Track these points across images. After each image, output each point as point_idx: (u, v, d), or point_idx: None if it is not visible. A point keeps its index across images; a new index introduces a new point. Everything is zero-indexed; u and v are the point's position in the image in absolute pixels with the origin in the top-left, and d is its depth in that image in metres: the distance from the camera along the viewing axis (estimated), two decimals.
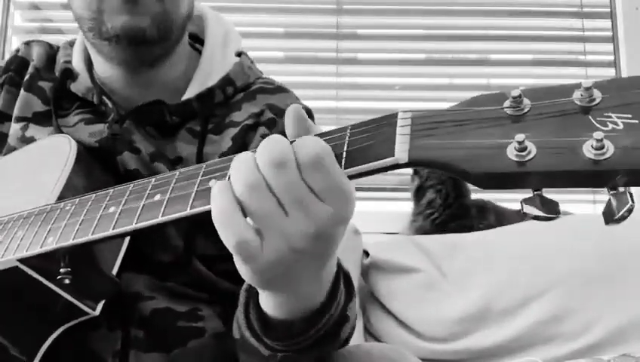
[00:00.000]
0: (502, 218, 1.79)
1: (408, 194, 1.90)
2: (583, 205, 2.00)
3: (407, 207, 1.90)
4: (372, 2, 2.18)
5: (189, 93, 0.92)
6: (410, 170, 1.90)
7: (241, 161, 0.52)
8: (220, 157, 0.87)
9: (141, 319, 0.83)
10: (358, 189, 2.00)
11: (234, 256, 0.53)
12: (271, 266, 0.53)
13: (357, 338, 1.58)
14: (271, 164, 0.50)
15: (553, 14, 2.19)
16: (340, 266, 0.66)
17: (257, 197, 0.50)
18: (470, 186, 1.86)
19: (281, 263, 0.52)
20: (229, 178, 0.53)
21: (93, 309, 0.77)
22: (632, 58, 2.07)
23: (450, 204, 1.80)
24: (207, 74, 0.94)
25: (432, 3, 2.18)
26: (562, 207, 1.87)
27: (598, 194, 1.99)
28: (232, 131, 0.91)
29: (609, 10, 2.16)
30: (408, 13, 2.18)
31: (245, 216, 0.51)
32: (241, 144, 0.90)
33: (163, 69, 0.93)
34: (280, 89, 0.98)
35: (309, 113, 0.96)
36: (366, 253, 1.72)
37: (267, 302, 0.63)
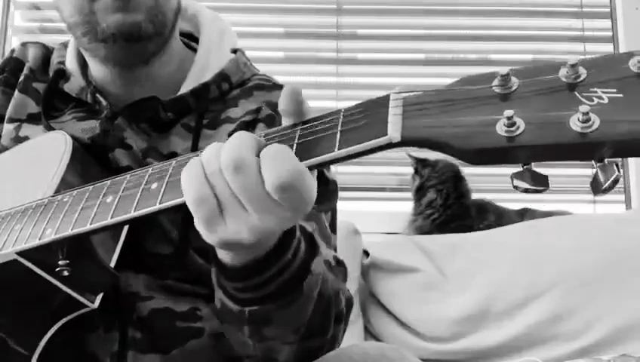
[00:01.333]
0: (502, 218, 1.79)
1: (408, 194, 1.90)
2: (583, 205, 2.01)
3: (407, 207, 1.90)
4: (372, 2, 2.18)
5: (184, 89, 0.92)
6: (410, 170, 1.90)
7: (210, 149, 0.56)
8: None
9: (139, 320, 0.83)
10: (358, 189, 2.01)
11: (195, 218, 0.57)
12: (225, 241, 0.57)
13: (357, 338, 1.58)
14: (229, 165, 0.54)
15: (553, 14, 2.19)
16: (303, 228, 0.70)
17: (220, 185, 0.55)
18: (470, 186, 1.86)
19: (234, 241, 0.57)
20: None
21: (92, 302, 0.77)
22: None
23: (450, 204, 1.80)
24: (202, 70, 0.94)
25: (432, 3, 2.18)
26: (562, 207, 1.88)
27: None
28: (229, 127, 0.90)
29: (609, 10, 2.16)
30: (408, 13, 2.18)
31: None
32: None
33: (157, 66, 0.92)
34: (277, 86, 0.98)
35: None
36: (366, 253, 1.72)
37: (221, 254, 0.66)
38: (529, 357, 1.50)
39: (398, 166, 2.05)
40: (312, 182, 0.54)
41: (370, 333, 1.67)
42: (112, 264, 0.79)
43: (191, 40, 1.02)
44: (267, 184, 0.53)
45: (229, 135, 0.88)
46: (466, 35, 2.17)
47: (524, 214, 1.79)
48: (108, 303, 0.78)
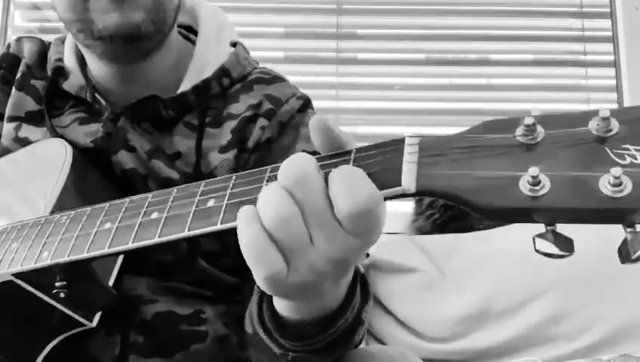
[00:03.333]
0: None
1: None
2: None
3: (407, 207, 1.90)
4: (372, 2, 2.18)
5: (185, 86, 0.90)
6: None
7: (269, 191, 0.49)
8: (219, 152, 0.87)
9: (142, 323, 0.82)
10: None
11: (259, 282, 0.51)
12: (294, 289, 0.51)
13: None
14: (306, 208, 0.48)
15: (553, 14, 2.18)
16: (357, 270, 0.65)
17: (286, 229, 0.48)
18: None
19: (303, 286, 0.51)
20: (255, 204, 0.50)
21: (90, 321, 0.76)
22: (632, 58, 2.07)
23: (451, 205, 1.79)
24: (202, 65, 0.92)
25: (432, 3, 2.17)
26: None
27: None
28: (231, 124, 0.89)
29: (609, 10, 2.15)
30: (408, 13, 2.18)
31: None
32: (241, 137, 0.88)
33: (155, 61, 0.91)
34: (277, 78, 0.97)
35: (307, 103, 0.95)
36: (366, 253, 1.72)
37: (281, 305, 0.62)
38: (529, 357, 1.50)
39: None
40: (385, 209, 0.49)
41: (370, 333, 1.67)
42: (111, 283, 0.78)
43: (189, 32, 1.00)
44: (339, 213, 0.47)
45: (232, 132, 0.88)
46: (466, 35, 2.17)
47: None
48: (110, 307, 0.78)
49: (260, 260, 0.48)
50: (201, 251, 0.83)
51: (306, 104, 0.94)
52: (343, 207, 0.46)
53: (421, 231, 1.82)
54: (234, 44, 0.99)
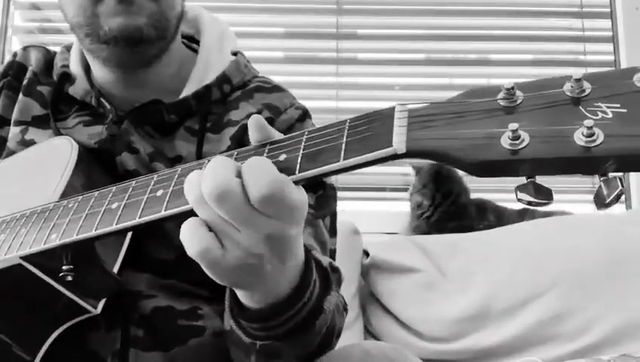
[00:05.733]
0: (502, 218, 1.79)
1: (408, 195, 1.91)
2: (583, 205, 2.01)
3: (407, 207, 1.91)
4: (372, 2, 2.18)
5: (186, 92, 0.92)
6: (409, 170, 1.91)
7: (190, 180, 0.56)
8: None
9: (141, 318, 0.83)
10: (358, 189, 2.01)
11: (199, 263, 0.57)
12: (233, 270, 0.58)
13: (357, 338, 1.58)
14: (209, 195, 0.54)
15: (553, 14, 2.19)
16: (317, 261, 0.70)
17: (208, 214, 0.55)
18: (470, 186, 1.86)
19: (241, 267, 0.57)
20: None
21: (95, 307, 0.77)
22: (632, 58, 2.07)
23: (439, 203, 1.80)
24: (204, 72, 0.95)
25: (432, 3, 2.18)
26: (562, 207, 1.88)
27: None
28: (231, 130, 0.91)
29: (609, 10, 2.16)
30: (408, 13, 2.18)
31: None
32: (240, 143, 0.90)
33: (158, 68, 0.93)
34: (277, 88, 0.99)
35: (306, 114, 0.97)
36: (366, 253, 1.72)
37: (239, 294, 0.67)
38: (529, 357, 1.50)
39: (399, 166, 2.05)
40: (294, 191, 0.55)
41: (370, 333, 1.67)
42: (116, 270, 0.79)
43: (191, 42, 1.02)
44: (251, 200, 0.54)
45: (231, 138, 0.90)
46: (466, 35, 2.17)
47: (524, 214, 1.79)
48: (110, 302, 0.79)
49: (189, 236, 0.56)
50: None
51: (304, 114, 0.97)
52: (251, 194, 0.53)
53: (419, 230, 1.83)
54: (235, 54, 1.01)
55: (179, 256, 0.84)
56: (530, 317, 1.55)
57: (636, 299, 1.52)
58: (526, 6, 2.17)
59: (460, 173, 1.86)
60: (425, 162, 1.88)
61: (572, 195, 2.02)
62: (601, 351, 1.48)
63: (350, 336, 1.53)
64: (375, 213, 2.06)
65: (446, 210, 1.80)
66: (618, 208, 1.99)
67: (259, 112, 0.93)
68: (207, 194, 0.54)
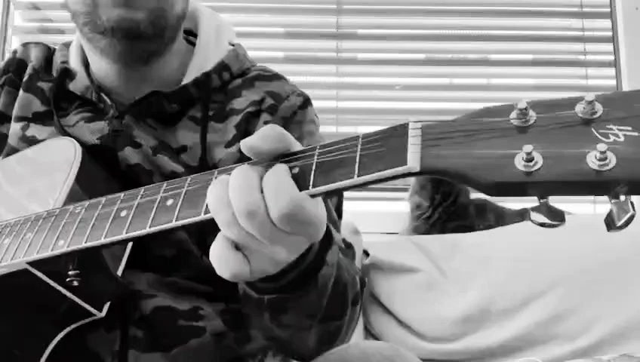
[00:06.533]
0: (501, 218, 1.79)
1: (408, 195, 1.91)
2: (582, 205, 2.01)
3: (407, 207, 1.91)
4: (372, 2, 2.18)
5: (186, 80, 0.93)
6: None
7: (217, 198, 0.57)
8: (225, 147, 0.90)
9: (142, 318, 0.83)
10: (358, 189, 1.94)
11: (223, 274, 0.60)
12: (258, 276, 0.61)
13: (357, 338, 1.59)
14: (241, 213, 0.55)
15: (553, 14, 2.19)
16: None
17: (237, 233, 0.57)
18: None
19: (266, 272, 0.61)
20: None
21: (100, 310, 0.77)
22: (632, 58, 2.07)
23: (438, 204, 1.80)
24: (203, 61, 0.96)
25: (432, 3, 2.18)
26: (562, 207, 1.88)
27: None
28: (235, 119, 0.92)
29: (609, 10, 2.15)
30: (408, 13, 2.18)
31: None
32: (245, 132, 0.90)
33: (158, 65, 0.94)
34: (277, 76, 1.00)
35: (308, 100, 0.98)
36: (366, 253, 1.72)
37: None
38: (529, 357, 1.50)
39: None
40: (313, 207, 0.56)
41: (370, 333, 1.67)
42: (120, 273, 0.79)
43: (189, 35, 1.03)
44: (273, 220, 0.55)
45: (236, 127, 0.90)
46: (466, 35, 2.17)
47: (524, 214, 1.79)
48: (110, 302, 0.79)
49: (220, 262, 0.59)
50: (206, 246, 0.84)
51: (306, 101, 0.97)
52: (271, 212, 0.55)
53: (418, 231, 1.82)
54: (232, 45, 1.01)
55: (180, 252, 0.85)
56: (530, 317, 1.55)
57: (636, 299, 1.52)
58: (526, 6, 2.17)
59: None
60: None
61: (572, 195, 2.02)
62: (601, 351, 1.48)
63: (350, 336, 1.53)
64: (375, 213, 2.06)
65: (446, 210, 1.80)
66: None
67: (262, 100, 0.93)
68: (238, 211, 0.55)
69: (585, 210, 1.97)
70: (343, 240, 0.87)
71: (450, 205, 1.80)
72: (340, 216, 0.94)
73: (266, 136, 0.58)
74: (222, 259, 0.58)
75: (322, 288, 0.70)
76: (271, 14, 2.19)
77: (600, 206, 2.01)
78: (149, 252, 0.84)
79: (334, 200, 0.93)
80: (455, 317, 1.58)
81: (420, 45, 2.20)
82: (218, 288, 0.86)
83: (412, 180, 1.87)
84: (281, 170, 0.56)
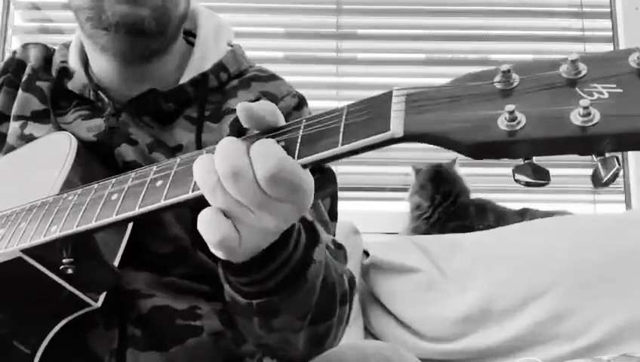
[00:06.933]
0: (501, 218, 1.79)
1: (408, 195, 1.91)
2: (582, 205, 2.01)
3: (407, 207, 1.91)
4: (372, 2, 2.18)
5: (183, 79, 0.94)
6: (409, 170, 1.91)
7: (201, 167, 0.57)
8: None
9: (139, 317, 0.83)
10: (358, 189, 2.00)
11: (214, 251, 0.60)
12: (250, 254, 0.61)
13: (357, 338, 1.59)
14: (226, 175, 0.55)
15: (553, 14, 2.19)
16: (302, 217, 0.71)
17: (223, 200, 0.56)
18: (470, 186, 1.86)
19: (255, 250, 0.60)
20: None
21: (95, 301, 0.77)
22: None
23: (438, 204, 1.80)
24: (201, 61, 0.96)
25: (432, 3, 2.18)
26: (562, 207, 1.87)
27: (598, 194, 1.99)
28: (230, 119, 0.92)
29: (609, 10, 2.16)
30: (408, 13, 2.18)
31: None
32: (239, 131, 0.91)
33: (158, 65, 0.94)
34: (273, 77, 1.00)
35: (303, 101, 0.98)
36: (366, 253, 1.72)
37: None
38: (529, 357, 1.50)
39: (398, 166, 2.05)
40: (301, 172, 0.55)
41: (370, 333, 1.67)
42: (116, 263, 0.79)
43: (189, 36, 1.03)
44: (259, 180, 0.54)
45: (230, 125, 0.90)
46: (466, 35, 2.17)
47: (524, 214, 1.80)
48: (108, 301, 0.79)
49: (207, 227, 0.57)
50: (201, 241, 0.84)
51: (301, 102, 0.97)
52: (258, 173, 0.54)
53: (418, 231, 1.83)
54: (231, 46, 1.02)
55: (177, 249, 0.85)
56: (530, 317, 1.55)
57: (636, 299, 1.52)
58: (526, 6, 2.17)
59: (460, 173, 1.87)
60: (424, 163, 1.89)
61: (572, 195, 2.02)
62: (601, 351, 1.48)
63: (350, 336, 1.52)
64: (375, 213, 2.06)
65: (446, 210, 1.80)
66: (618, 208, 1.99)
67: (257, 100, 0.94)
68: (223, 174, 0.55)
69: (585, 210, 1.97)
70: (334, 241, 0.86)
71: (450, 205, 1.80)
72: (334, 218, 0.93)
73: (262, 104, 0.59)
74: (211, 223, 0.57)
75: (311, 287, 0.70)
76: (271, 14, 2.20)
77: (600, 206, 2.01)
78: (145, 249, 0.85)
79: (327, 201, 0.92)
80: (455, 317, 1.58)
81: (420, 45, 2.20)
82: (216, 287, 0.87)
83: (412, 180, 1.87)
84: (268, 140, 0.56)
